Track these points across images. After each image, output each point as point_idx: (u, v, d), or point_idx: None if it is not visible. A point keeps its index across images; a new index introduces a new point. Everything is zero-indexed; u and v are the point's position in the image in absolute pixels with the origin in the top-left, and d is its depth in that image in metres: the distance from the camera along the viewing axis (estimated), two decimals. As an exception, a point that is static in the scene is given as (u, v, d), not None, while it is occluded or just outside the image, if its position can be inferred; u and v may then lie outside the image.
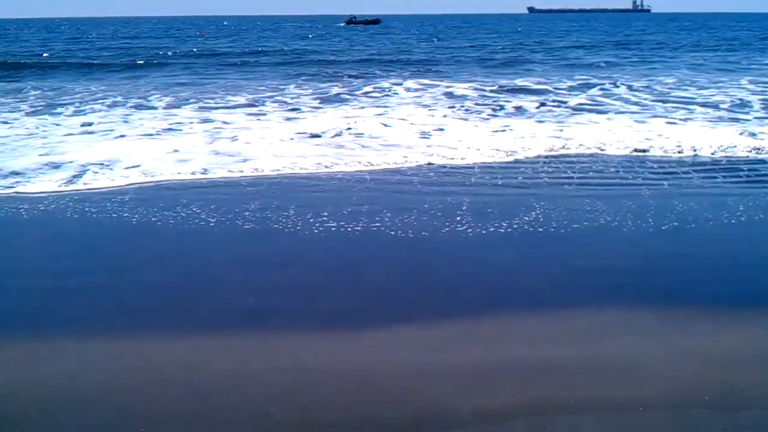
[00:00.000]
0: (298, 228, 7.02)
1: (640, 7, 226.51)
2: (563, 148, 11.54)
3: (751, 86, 20.26)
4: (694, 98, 17.91)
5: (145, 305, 5.42)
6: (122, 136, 13.01)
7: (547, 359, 4.38)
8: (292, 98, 19.10)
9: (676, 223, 7.17)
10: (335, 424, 3.68)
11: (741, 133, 12.55)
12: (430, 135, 12.80)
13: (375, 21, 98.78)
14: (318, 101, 18.46)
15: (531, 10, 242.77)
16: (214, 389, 4.06)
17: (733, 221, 7.20)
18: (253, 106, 17.58)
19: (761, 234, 6.92)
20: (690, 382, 4.03)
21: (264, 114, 16.15)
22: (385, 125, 14.11)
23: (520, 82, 22.52)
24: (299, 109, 17.03)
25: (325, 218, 7.26)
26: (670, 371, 4.18)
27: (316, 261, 6.32)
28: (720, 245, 6.66)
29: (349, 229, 6.93)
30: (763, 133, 12.52)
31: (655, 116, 15.13)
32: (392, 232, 6.91)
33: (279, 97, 19.17)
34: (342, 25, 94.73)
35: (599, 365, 4.31)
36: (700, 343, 4.57)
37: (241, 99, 18.83)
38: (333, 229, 6.99)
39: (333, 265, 6.26)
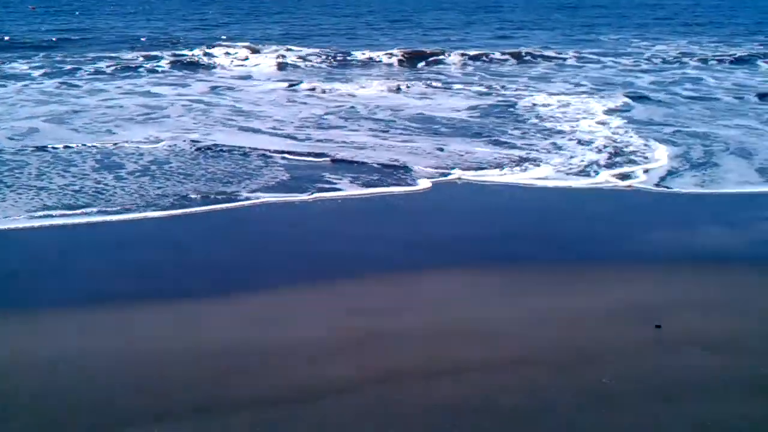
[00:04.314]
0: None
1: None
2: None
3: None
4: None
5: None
6: None
7: (398, 326, 4.35)
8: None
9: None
10: (184, 403, 3.54)
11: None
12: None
13: None
14: None
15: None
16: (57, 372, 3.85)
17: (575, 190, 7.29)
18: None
19: (602, 200, 7.00)
20: (536, 342, 4.18)
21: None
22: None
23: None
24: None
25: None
26: (518, 332, 4.31)
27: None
28: (561, 212, 6.75)
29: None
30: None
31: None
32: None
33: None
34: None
35: (449, 330, 4.33)
36: (546, 304, 4.68)
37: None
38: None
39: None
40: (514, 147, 8.96)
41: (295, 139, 9.42)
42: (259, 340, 4.16)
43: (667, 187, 7.13)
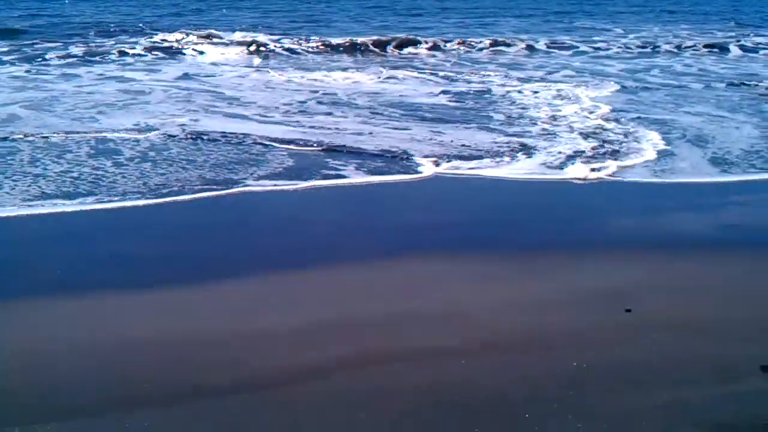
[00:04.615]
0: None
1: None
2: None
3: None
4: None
5: None
6: None
7: (370, 312, 4.42)
8: None
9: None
10: (155, 390, 3.57)
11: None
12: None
13: None
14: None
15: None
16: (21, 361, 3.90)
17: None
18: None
19: (566, 190, 7.16)
20: (508, 326, 4.25)
21: None
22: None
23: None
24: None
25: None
26: (489, 317, 4.38)
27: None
28: (532, 199, 6.93)
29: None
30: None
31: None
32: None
33: None
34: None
35: (420, 315, 4.41)
36: (517, 290, 4.77)
37: None
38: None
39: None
40: (500, 133, 9.16)
41: (287, 125, 9.49)
42: (229, 328, 4.19)
43: (635, 178, 7.35)
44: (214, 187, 6.83)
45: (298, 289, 4.82)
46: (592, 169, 7.50)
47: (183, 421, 3.39)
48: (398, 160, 7.85)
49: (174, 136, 8.71)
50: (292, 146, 8.33)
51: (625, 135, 9.05)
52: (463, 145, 8.49)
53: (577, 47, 18.47)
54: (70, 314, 4.45)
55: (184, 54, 17.02)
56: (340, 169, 7.47)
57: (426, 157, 7.91)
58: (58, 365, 3.87)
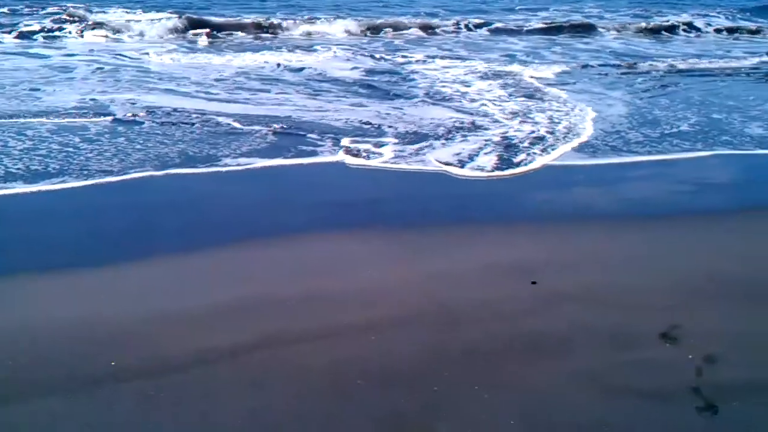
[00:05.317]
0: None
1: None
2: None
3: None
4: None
5: None
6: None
7: (278, 291, 4.42)
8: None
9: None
10: (56, 378, 3.53)
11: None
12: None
13: None
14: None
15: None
16: None
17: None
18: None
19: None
20: (416, 303, 4.32)
21: None
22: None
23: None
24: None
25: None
26: (396, 295, 4.44)
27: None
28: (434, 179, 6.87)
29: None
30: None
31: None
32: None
33: None
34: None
35: (329, 294, 4.42)
36: (424, 266, 4.84)
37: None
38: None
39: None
40: (398, 108, 9.61)
41: (238, 103, 9.68)
42: (140, 311, 4.21)
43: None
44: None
45: (205, 271, 4.79)
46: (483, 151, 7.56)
47: (89, 408, 3.34)
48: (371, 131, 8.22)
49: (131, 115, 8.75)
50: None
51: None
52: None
53: (491, 22, 19.28)
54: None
55: (87, 29, 16.50)
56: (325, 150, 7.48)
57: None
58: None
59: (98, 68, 11.84)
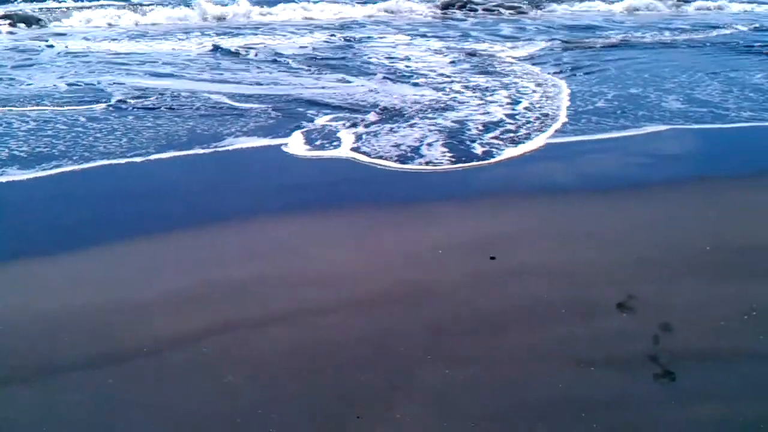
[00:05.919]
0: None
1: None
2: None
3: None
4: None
5: None
6: None
7: (237, 275, 4.38)
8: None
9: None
10: (22, 365, 3.52)
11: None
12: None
13: None
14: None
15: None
16: None
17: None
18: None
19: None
20: (377, 282, 4.30)
21: None
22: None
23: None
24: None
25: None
26: (357, 274, 4.42)
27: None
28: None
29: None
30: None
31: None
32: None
33: None
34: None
35: (286, 276, 4.39)
36: (384, 245, 4.83)
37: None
38: None
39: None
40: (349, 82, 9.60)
41: (226, 83, 9.56)
42: (91, 298, 4.16)
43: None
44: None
45: (158, 257, 4.75)
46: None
47: (45, 397, 3.32)
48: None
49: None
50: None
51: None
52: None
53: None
54: None
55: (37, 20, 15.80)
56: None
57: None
58: None
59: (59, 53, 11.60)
